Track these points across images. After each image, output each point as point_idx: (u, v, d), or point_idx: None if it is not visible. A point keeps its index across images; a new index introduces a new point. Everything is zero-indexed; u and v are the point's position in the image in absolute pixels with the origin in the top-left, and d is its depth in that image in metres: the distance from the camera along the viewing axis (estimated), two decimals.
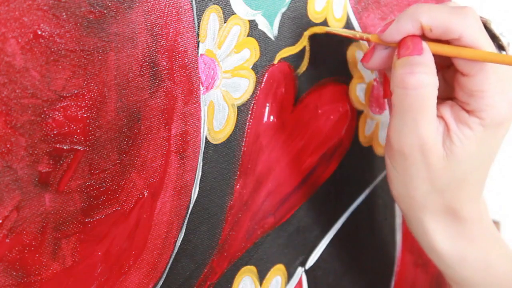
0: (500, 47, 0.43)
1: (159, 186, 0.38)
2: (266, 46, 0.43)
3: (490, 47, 0.39)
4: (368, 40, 0.44)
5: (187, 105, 0.39)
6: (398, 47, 0.40)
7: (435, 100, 0.39)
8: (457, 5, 0.41)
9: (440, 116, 0.40)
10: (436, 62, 0.40)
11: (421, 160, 0.40)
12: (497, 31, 0.43)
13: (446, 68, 0.43)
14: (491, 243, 0.45)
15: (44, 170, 0.32)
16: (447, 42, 0.39)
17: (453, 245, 0.43)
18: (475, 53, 0.38)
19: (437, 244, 0.43)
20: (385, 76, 0.45)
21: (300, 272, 0.49)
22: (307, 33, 0.45)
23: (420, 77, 0.38)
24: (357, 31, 0.47)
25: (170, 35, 0.37)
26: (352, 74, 0.50)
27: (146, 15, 0.36)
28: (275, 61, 0.44)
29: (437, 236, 0.43)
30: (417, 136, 0.39)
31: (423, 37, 0.40)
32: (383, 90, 0.46)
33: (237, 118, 0.42)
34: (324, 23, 0.47)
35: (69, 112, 0.33)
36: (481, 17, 0.42)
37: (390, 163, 0.42)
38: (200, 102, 0.39)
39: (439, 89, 0.40)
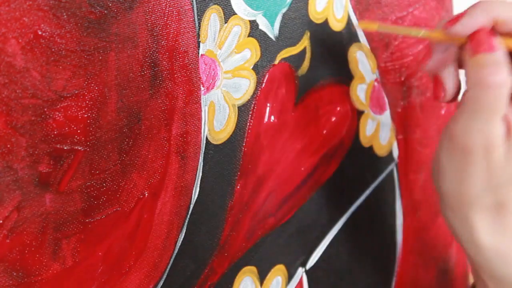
0: None
1: (159, 186, 0.38)
2: (267, 46, 0.43)
3: None
4: (426, 38, 0.43)
5: (188, 106, 0.39)
6: (471, 43, 0.40)
7: (508, 100, 0.39)
8: None
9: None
10: None
11: (483, 158, 0.40)
12: None
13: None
14: None
15: (44, 171, 0.32)
16: None
17: (497, 241, 0.43)
18: None
19: (481, 240, 0.43)
20: (436, 77, 0.44)
21: (300, 272, 0.49)
22: (360, 25, 0.44)
23: (498, 77, 0.38)
24: (412, 28, 0.45)
25: (171, 36, 0.37)
26: (353, 75, 0.50)
27: (147, 16, 0.36)
28: (276, 62, 0.44)
29: (482, 231, 0.43)
30: (485, 135, 0.39)
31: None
32: (434, 91, 0.45)
33: (237, 119, 0.42)
34: (325, 23, 0.47)
35: (69, 112, 0.33)
36: None
37: (445, 159, 0.42)
38: (200, 103, 0.39)
39: None
